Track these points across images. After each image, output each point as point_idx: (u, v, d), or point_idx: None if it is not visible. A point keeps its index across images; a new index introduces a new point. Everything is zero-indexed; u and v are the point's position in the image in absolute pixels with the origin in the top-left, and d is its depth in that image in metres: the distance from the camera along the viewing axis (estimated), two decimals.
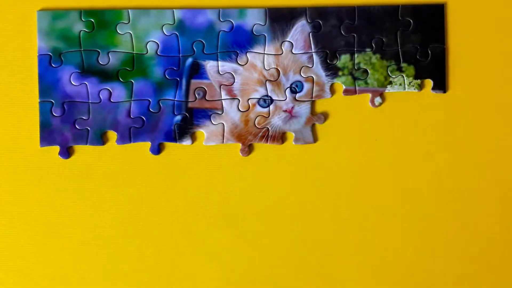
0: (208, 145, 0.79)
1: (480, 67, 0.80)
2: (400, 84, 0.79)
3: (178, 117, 0.78)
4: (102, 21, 0.78)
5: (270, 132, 0.79)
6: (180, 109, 0.78)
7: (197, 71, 0.78)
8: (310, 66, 0.79)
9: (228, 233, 0.79)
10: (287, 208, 0.79)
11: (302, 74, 0.79)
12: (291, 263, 0.79)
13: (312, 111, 0.79)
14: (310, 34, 0.79)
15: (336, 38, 0.79)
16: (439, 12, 0.79)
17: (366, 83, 0.79)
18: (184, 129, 0.78)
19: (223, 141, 0.79)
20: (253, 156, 0.79)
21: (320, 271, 0.79)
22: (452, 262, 0.80)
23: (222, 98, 0.78)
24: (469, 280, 0.80)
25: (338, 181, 0.79)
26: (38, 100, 0.77)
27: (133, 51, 0.78)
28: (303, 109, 0.79)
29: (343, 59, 0.79)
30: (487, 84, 0.80)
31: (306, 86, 0.79)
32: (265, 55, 0.78)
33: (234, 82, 0.78)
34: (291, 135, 0.79)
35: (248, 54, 0.78)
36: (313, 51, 0.79)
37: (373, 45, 0.79)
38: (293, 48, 0.79)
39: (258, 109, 0.79)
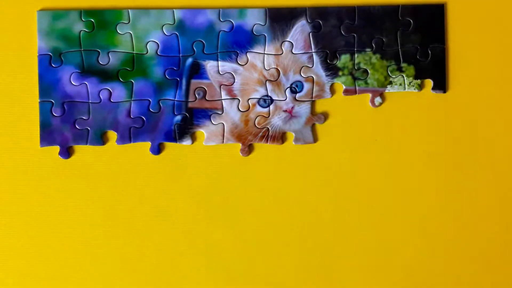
0: (208, 145, 0.79)
1: (480, 67, 0.80)
2: (400, 84, 0.79)
3: (178, 117, 0.78)
4: (102, 21, 0.78)
5: (270, 132, 0.79)
6: (180, 109, 0.78)
7: (197, 71, 0.78)
8: (310, 66, 0.79)
9: (228, 233, 0.79)
10: (287, 208, 0.79)
11: (302, 74, 0.79)
12: (291, 263, 0.79)
13: (312, 111, 0.79)
14: (310, 34, 0.79)
15: (336, 38, 0.79)
16: (439, 12, 0.79)
17: (366, 83, 0.79)
18: (184, 129, 0.78)
19: (223, 141, 0.79)
20: (253, 156, 0.79)
21: (320, 271, 0.79)
22: (452, 262, 0.80)
23: (222, 98, 0.78)
24: (469, 280, 0.80)
25: (338, 181, 0.79)
26: (38, 100, 0.77)
27: (133, 51, 0.78)
28: (303, 109, 0.79)
29: (343, 59, 0.79)
30: (487, 84, 0.80)
31: (306, 86, 0.79)
32: (265, 55, 0.78)
33: (234, 82, 0.78)
34: (291, 135, 0.79)
35: (248, 54, 0.78)
36: (313, 51, 0.79)
37: (373, 45, 0.79)
38: (293, 48, 0.79)
39: (258, 109, 0.79)
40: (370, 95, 0.79)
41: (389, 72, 0.79)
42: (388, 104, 0.80)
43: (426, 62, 0.79)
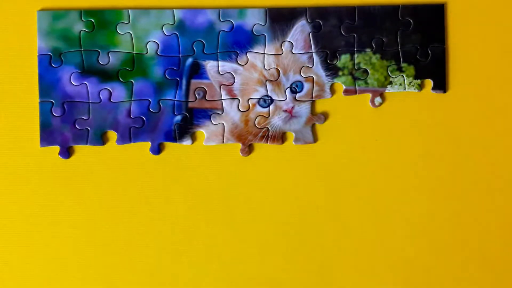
0: (208, 145, 0.79)
1: (480, 67, 0.80)
2: (400, 84, 0.79)
3: (178, 117, 0.78)
4: (102, 21, 0.78)
5: (270, 132, 0.79)
6: (180, 109, 0.78)
7: (197, 71, 0.78)
8: (310, 66, 0.79)
9: (228, 233, 0.79)
10: (287, 208, 0.79)
11: (302, 74, 0.79)
12: (291, 263, 0.79)
13: (312, 111, 0.79)
14: (310, 34, 0.79)
15: (336, 38, 0.79)
16: (439, 12, 0.79)
17: (366, 83, 0.79)
18: (184, 129, 0.78)
19: (223, 141, 0.79)
20: (253, 156, 0.79)
21: (320, 270, 0.79)
22: (452, 262, 0.80)
23: (222, 98, 0.78)
24: (469, 280, 0.80)
25: (338, 181, 0.79)
26: (38, 100, 0.77)
27: (133, 51, 0.78)
28: (303, 109, 0.79)
29: (343, 59, 0.79)
30: (487, 84, 0.80)
31: (306, 86, 0.79)
32: (265, 55, 0.78)
33: (234, 82, 0.78)
34: (291, 135, 0.79)
35: (248, 54, 0.78)
36: (313, 51, 0.79)
37: (373, 45, 0.79)
38: (293, 48, 0.79)
39: (258, 109, 0.79)
40: (370, 95, 0.79)
41: (389, 72, 0.79)
42: (388, 104, 0.80)
43: (426, 62, 0.79)
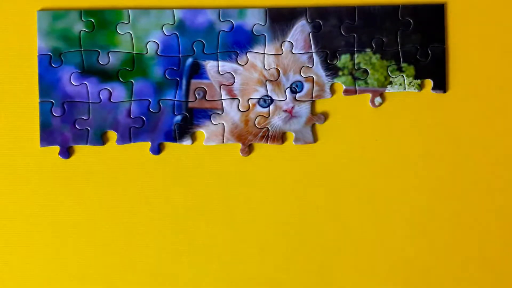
0: (208, 145, 0.79)
1: (480, 67, 0.80)
2: (400, 84, 0.79)
3: (178, 117, 0.78)
4: (102, 21, 0.78)
5: (270, 132, 0.79)
6: (180, 109, 0.78)
7: (197, 71, 0.78)
8: (310, 66, 0.79)
9: (228, 233, 0.79)
10: (287, 208, 0.79)
11: (302, 74, 0.79)
12: (291, 263, 0.79)
13: (312, 111, 0.79)
14: (310, 34, 0.79)
15: (336, 38, 0.79)
16: (439, 12, 0.79)
17: (366, 83, 0.79)
18: (184, 129, 0.78)
19: (223, 141, 0.79)
20: (253, 156, 0.79)
21: (320, 270, 0.79)
22: (452, 262, 0.80)
23: (222, 98, 0.78)
24: (469, 280, 0.80)
25: (338, 181, 0.79)
26: (38, 100, 0.77)
27: (133, 51, 0.78)
28: (303, 109, 0.79)
29: (343, 59, 0.79)
30: (487, 84, 0.80)
31: (306, 86, 0.79)
32: (265, 55, 0.78)
33: (234, 82, 0.78)
34: (291, 135, 0.79)
35: (248, 54, 0.78)
36: (313, 51, 0.79)
37: (373, 45, 0.79)
38: (293, 48, 0.79)
39: (258, 109, 0.79)
40: (370, 95, 0.79)
41: (389, 72, 0.79)
42: (388, 104, 0.80)
43: (426, 62, 0.79)
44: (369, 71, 0.79)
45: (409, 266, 0.80)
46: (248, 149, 0.79)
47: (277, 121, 0.79)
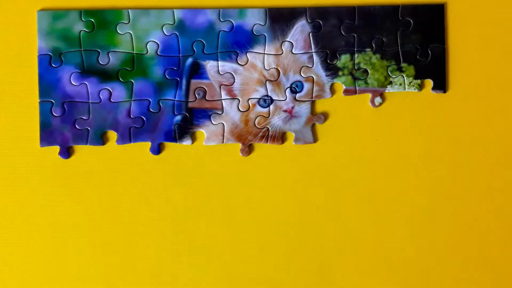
0: (208, 145, 0.79)
1: (480, 67, 0.80)
2: (400, 84, 0.79)
3: (178, 117, 0.78)
4: (102, 21, 0.78)
5: (270, 132, 0.79)
6: (180, 109, 0.78)
7: (197, 71, 0.78)
8: (310, 66, 0.79)
9: (228, 233, 0.79)
10: (287, 208, 0.79)
11: (302, 74, 0.79)
12: (291, 263, 0.79)
13: (312, 111, 0.79)
14: (310, 34, 0.79)
15: (336, 38, 0.79)
16: (439, 12, 0.79)
17: (366, 83, 0.79)
18: (184, 129, 0.78)
19: (223, 141, 0.79)
20: (253, 156, 0.79)
21: (320, 270, 0.79)
22: (452, 262, 0.80)
23: (222, 98, 0.78)
24: (469, 280, 0.80)
25: (338, 181, 0.79)
26: (38, 100, 0.77)
27: (133, 51, 0.78)
28: (303, 109, 0.79)
29: (343, 59, 0.79)
30: (487, 84, 0.80)
31: (306, 86, 0.79)
32: (265, 55, 0.78)
33: (234, 82, 0.78)
34: (291, 135, 0.79)
35: (248, 54, 0.78)
36: (313, 51, 0.79)
37: (373, 45, 0.79)
38: (293, 48, 0.79)
39: (258, 109, 0.79)
40: (370, 95, 0.79)
41: (389, 72, 0.79)
42: (388, 104, 0.80)
43: (426, 62, 0.79)
44: (369, 71, 0.79)
45: (409, 266, 0.80)
46: (248, 149, 0.79)
47: (277, 121, 0.79)
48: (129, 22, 0.78)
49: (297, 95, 0.79)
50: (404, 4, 0.79)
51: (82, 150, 0.78)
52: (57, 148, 0.78)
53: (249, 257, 0.79)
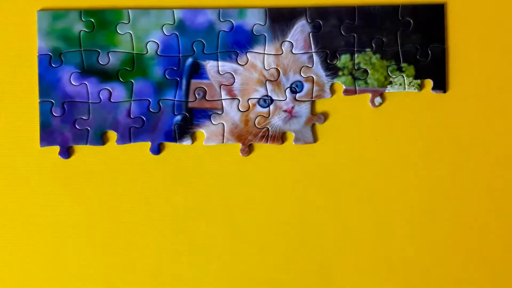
0: (208, 145, 0.79)
1: (480, 67, 0.80)
2: (400, 84, 0.79)
3: (178, 117, 0.78)
4: (102, 21, 0.78)
5: (270, 132, 0.79)
6: (180, 109, 0.78)
7: (197, 71, 0.78)
8: (310, 66, 0.79)
9: (228, 233, 0.79)
10: (287, 208, 0.79)
11: (302, 74, 0.79)
12: (291, 263, 0.79)
13: (312, 111, 0.79)
14: (310, 34, 0.79)
15: (336, 38, 0.79)
16: (439, 12, 0.79)
17: (366, 83, 0.79)
18: (184, 129, 0.78)
19: (223, 141, 0.79)
20: (253, 156, 0.79)
21: (320, 270, 0.79)
22: (452, 262, 0.80)
23: (222, 98, 0.78)
24: (469, 280, 0.80)
25: (338, 181, 0.79)
26: (38, 100, 0.77)
27: (133, 51, 0.78)
28: (303, 109, 0.79)
29: (343, 59, 0.79)
30: (487, 84, 0.80)
31: (306, 86, 0.79)
32: (265, 55, 0.78)
33: (234, 82, 0.78)
34: (291, 135, 0.79)
35: (248, 54, 0.78)
36: (313, 51, 0.79)
37: (373, 45, 0.79)
38: (293, 48, 0.79)
39: (258, 109, 0.79)
40: (370, 95, 0.79)
41: (389, 72, 0.79)
42: (388, 104, 0.80)
43: (426, 62, 0.79)
44: (369, 71, 0.79)
45: (409, 266, 0.80)
46: (248, 149, 0.79)
47: (277, 121, 0.79)
48: (129, 22, 0.78)
49: (297, 95, 0.79)
50: (404, 4, 0.79)
51: (82, 150, 0.78)
52: (57, 148, 0.78)
53: (249, 257, 0.79)
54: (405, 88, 0.79)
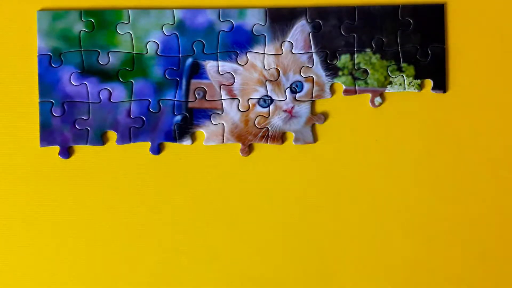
0: (208, 145, 0.79)
1: (480, 67, 0.80)
2: (400, 84, 0.79)
3: (178, 117, 0.78)
4: (102, 21, 0.78)
5: (270, 132, 0.79)
6: (180, 109, 0.78)
7: (197, 71, 0.78)
8: (310, 66, 0.79)
9: (228, 233, 0.79)
10: (287, 208, 0.79)
11: (302, 74, 0.79)
12: (291, 263, 0.79)
13: (312, 111, 0.79)
14: (310, 34, 0.79)
15: (336, 38, 0.79)
16: (439, 12, 0.79)
17: (366, 83, 0.79)
18: (184, 129, 0.78)
19: (223, 141, 0.79)
20: (253, 156, 0.79)
21: (320, 270, 0.79)
22: (452, 262, 0.80)
23: (222, 98, 0.78)
24: (469, 280, 0.80)
25: (338, 181, 0.79)
26: (38, 100, 0.77)
27: (133, 51, 0.78)
28: (303, 109, 0.79)
29: (343, 59, 0.79)
30: (487, 84, 0.80)
31: (306, 86, 0.79)
32: (265, 55, 0.79)
33: (234, 82, 0.78)
34: (291, 135, 0.79)
35: (248, 54, 0.78)
36: (313, 51, 0.79)
37: (373, 45, 0.79)
38: (293, 48, 0.79)
39: (258, 109, 0.79)
40: (370, 95, 0.79)
41: (389, 72, 0.79)
42: (388, 104, 0.80)
43: (426, 62, 0.79)
44: (369, 71, 0.79)
45: (409, 266, 0.80)
46: (248, 149, 0.79)
47: (277, 121, 0.79)
48: (129, 22, 0.78)
49: (297, 95, 0.79)
50: (404, 4, 0.79)
51: (82, 150, 0.78)
52: (57, 148, 0.78)
53: (249, 257, 0.79)
54: (405, 88, 0.79)
